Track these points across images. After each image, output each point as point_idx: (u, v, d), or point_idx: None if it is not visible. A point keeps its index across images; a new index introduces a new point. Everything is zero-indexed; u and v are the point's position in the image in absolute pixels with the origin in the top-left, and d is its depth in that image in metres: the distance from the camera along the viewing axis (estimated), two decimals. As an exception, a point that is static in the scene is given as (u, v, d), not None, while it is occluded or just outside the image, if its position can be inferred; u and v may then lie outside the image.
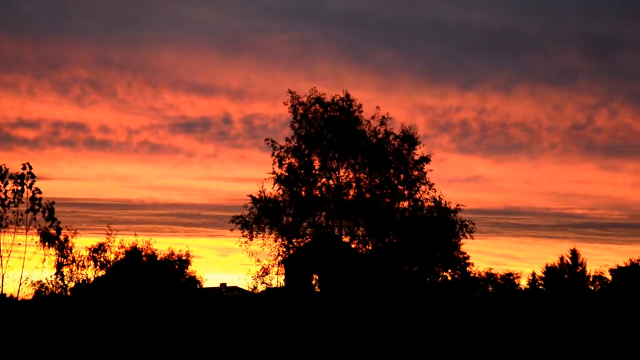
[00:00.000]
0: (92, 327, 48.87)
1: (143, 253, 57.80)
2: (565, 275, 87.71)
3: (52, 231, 38.23)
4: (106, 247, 54.85)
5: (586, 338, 53.15)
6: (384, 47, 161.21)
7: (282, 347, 49.16)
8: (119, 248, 55.84)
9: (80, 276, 53.04)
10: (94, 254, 54.25)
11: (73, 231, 52.27)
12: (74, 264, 52.64)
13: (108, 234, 55.36)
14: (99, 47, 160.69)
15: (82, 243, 54.05)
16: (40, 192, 35.80)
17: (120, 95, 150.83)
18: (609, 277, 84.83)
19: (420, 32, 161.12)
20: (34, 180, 35.99)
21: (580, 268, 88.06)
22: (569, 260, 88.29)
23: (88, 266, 53.76)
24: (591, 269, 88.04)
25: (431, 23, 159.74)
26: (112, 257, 55.31)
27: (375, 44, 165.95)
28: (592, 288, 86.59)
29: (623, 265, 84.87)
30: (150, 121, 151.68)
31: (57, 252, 51.44)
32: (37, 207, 36.35)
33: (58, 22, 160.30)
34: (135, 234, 62.00)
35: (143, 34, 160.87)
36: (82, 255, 53.48)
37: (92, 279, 53.92)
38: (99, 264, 54.27)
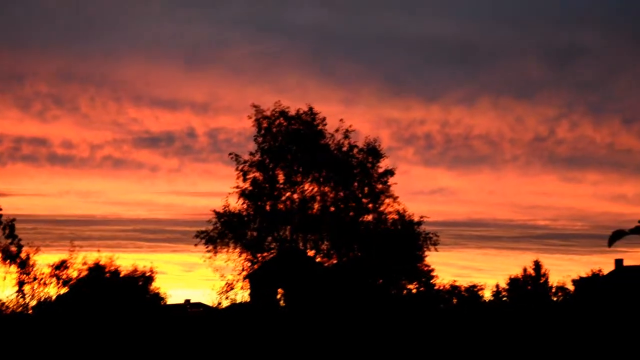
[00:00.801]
0: (54, 346, 48.21)
1: (106, 269, 57.24)
2: (529, 287, 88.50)
3: (13, 249, 37.76)
4: (68, 264, 54.20)
5: (550, 349, 53.51)
6: (347, 60, 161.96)
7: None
8: (81, 265, 55.23)
9: (42, 294, 52.38)
10: (56, 271, 53.58)
11: (35, 248, 51.65)
12: (35, 281, 51.97)
13: (71, 251, 54.75)
14: (60, 61, 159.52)
15: (44, 260, 53.39)
16: (0, 209, 35.32)
17: (82, 110, 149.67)
18: (571, 287, 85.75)
19: (383, 44, 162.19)
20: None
21: (543, 279, 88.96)
22: (532, 272, 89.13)
23: (50, 283, 53.11)
24: (554, 280, 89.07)
25: (394, 36, 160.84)
26: (74, 274, 54.68)
27: (339, 57, 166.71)
28: (555, 299, 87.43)
29: (585, 275, 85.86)
30: (114, 136, 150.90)
31: (18, 269, 50.75)
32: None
33: (19, 36, 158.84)
34: (99, 250, 61.26)
35: (105, 48, 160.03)
36: (44, 273, 52.81)
37: (54, 297, 53.26)
38: (61, 281, 53.62)
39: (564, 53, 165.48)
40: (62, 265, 53.97)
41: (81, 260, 55.19)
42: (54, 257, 54.56)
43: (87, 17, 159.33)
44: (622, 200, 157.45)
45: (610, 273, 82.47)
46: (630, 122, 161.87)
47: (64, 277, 53.76)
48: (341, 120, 60.03)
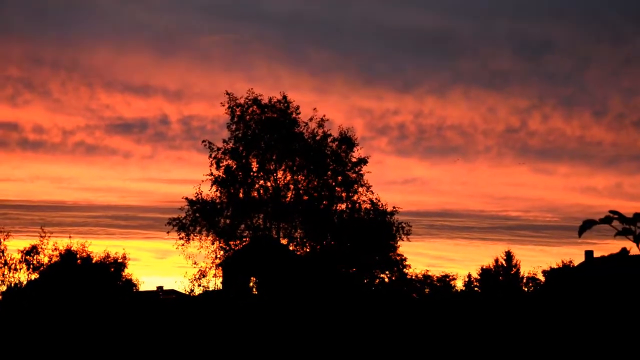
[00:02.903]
0: (25, 332, 47.92)
1: (78, 255, 56.87)
2: (500, 277, 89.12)
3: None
4: (39, 250, 53.82)
5: (520, 339, 53.96)
6: (320, 49, 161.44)
7: (219, 350, 48.89)
8: (52, 250, 54.86)
9: (12, 279, 51.99)
10: (27, 257, 53.20)
11: (5, 233, 51.29)
12: (5, 267, 51.58)
13: (41, 237, 54.35)
14: (30, 45, 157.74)
15: (14, 245, 53.00)
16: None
17: (54, 95, 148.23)
18: (542, 278, 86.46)
19: (356, 33, 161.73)
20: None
21: (515, 270, 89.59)
22: (504, 262, 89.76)
23: (20, 269, 52.72)
24: (525, 271, 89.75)
25: (367, 24, 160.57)
26: (45, 259, 54.32)
27: (311, 45, 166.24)
28: (526, 289, 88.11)
29: (555, 266, 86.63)
30: (86, 121, 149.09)
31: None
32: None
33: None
34: (70, 237, 60.98)
35: (76, 32, 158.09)
36: (14, 258, 52.43)
37: (24, 283, 52.87)
38: (31, 266, 53.23)
39: (536, 45, 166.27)
40: (32, 251, 53.59)
41: (52, 246, 54.84)
42: (25, 243, 54.20)
43: (59, 2, 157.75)
44: (593, 192, 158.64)
45: (581, 264, 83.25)
46: (601, 115, 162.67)
47: (34, 262, 53.38)
48: (315, 109, 60.17)
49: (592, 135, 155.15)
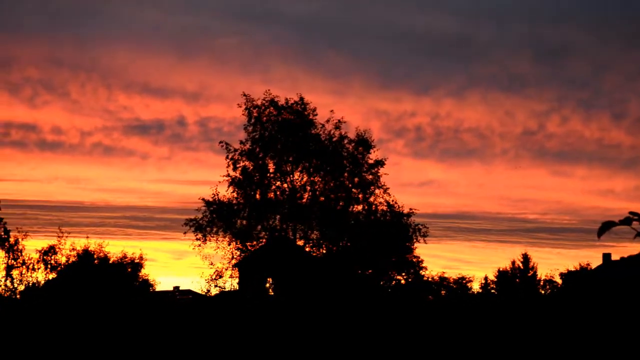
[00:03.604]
0: (42, 331, 48.16)
1: (95, 256, 57.08)
2: (517, 279, 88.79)
3: (1, 232, 37.58)
4: (57, 250, 54.04)
5: (538, 342, 53.74)
6: (337, 51, 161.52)
7: (235, 351, 48.94)
8: (70, 250, 55.08)
9: (30, 279, 52.24)
10: (45, 257, 53.42)
11: (23, 233, 51.48)
12: (24, 266, 51.82)
13: (59, 237, 54.56)
14: (51, 47, 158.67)
15: (32, 245, 53.22)
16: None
17: (73, 96, 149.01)
18: (559, 281, 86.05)
19: (375, 36, 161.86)
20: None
21: (532, 272, 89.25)
22: (521, 265, 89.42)
23: (38, 269, 52.95)
24: (542, 273, 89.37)
25: (384, 27, 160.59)
26: (63, 259, 54.52)
27: (329, 48, 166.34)
28: (543, 292, 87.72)
29: (573, 269, 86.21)
30: (104, 123, 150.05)
31: (7, 254, 50.60)
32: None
33: (8, 21, 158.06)
34: (87, 237, 61.15)
35: (95, 34, 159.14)
36: (32, 258, 52.66)
37: (42, 282, 53.12)
38: (49, 266, 53.46)
39: (555, 48, 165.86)
40: (50, 251, 53.81)
41: (70, 246, 55.06)
42: (43, 243, 54.40)
43: (79, 2, 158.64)
44: (611, 195, 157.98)
45: (598, 267, 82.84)
46: (619, 118, 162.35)
47: (52, 262, 53.61)
48: (332, 111, 60.16)
49: (610, 137, 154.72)
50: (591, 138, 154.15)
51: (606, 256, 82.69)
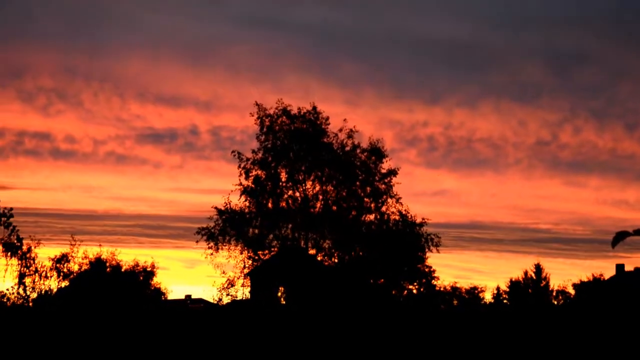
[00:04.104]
0: (55, 339, 48.26)
1: (107, 264, 57.29)
2: (530, 290, 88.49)
3: (14, 240, 37.69)
4: (70, 258, 54.25)
5: (549, 352, 53.47)
6: (351, 60, 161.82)
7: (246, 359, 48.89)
8: (82, 259, 55.30)
9: (42, 287, 52.42)
10: (57, 265, 53.62)
11: (36, 241, 51.66)
12: (36, 274, 52.00)
13: (72, 245, 54.78)
14: (64, 56, 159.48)
15: (45, 253, 53.42)
16: (-1, 200, 35.23)
17: (86, 105, 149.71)
18: (572, 291, 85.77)
19: (387, 45, 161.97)
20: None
21: (544, 282, 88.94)
22: (533, 275, 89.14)
23: (51, 277, 53.14)
24: (555, 284, 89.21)
25: (397, 36, 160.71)
26: (75, 267, 54.74)
27: (342, 57, 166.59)
28: (556, 302, 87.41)
29: (586, 280, 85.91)
30: (117, 131, 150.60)
31: (20, 262, 50.80)
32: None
33: (23, 30, 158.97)
34: (100, 245, 61.46)
35: (108, 43, 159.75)
36: (45, 266, 52.85)
37: (55, 290, 53.30)
38: (62, 274, 53.65)
39: (568, 57, 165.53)
40: (63, 259, 54.02)
41: (82, 254, 55.29)
42: (55, 251, 54.61)
43: (92, 12, 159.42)
44: (624, 205, 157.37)
45: (612, 278, 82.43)
46: (633, 128, 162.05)
47: (65, 270, 53.81)
48: (345, 120, 60.14)
49: (624, 148, 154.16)
50: (604, 148, 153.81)
51: (619, 267, 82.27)
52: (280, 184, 58.53)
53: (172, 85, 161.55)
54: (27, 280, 51.50)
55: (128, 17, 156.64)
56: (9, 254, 46.66)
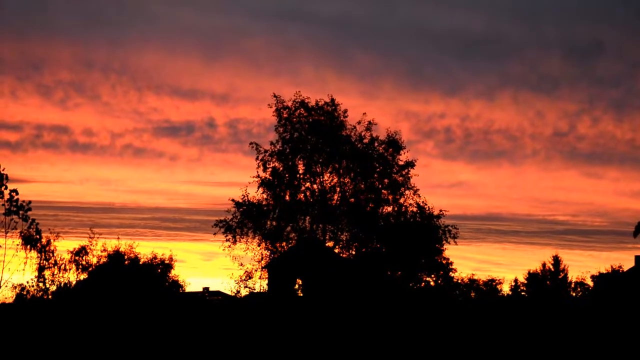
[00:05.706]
0: (74, 331, 48.54)
1: (125, 257, 57.51)
2: (548, 282, 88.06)
3: (33, 233, 37.80)
4: (88, 251, 54.53)
5: (568, 344, 53.29)
6: (367, 52, 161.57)
7: (265, 352, 48.99)
8: (101, 251, 55.55)
9: (61, 279, 52.71)
10: (76, 257, 53.90)
11: (55, 234, 51.95)
12: (55, 267, 52.30)
13: (90, 238, 55.04)
14: (82, 49, 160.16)
15: (64, 246, 53.71)
16: (17, 194, 35.41)
17: (104, 99, 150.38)
18: (591, 283, 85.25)
19: (404, 37, 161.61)
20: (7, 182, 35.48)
21: (562, 274, 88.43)
22: (551, 267, 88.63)
23: (70, 269, 53.42)
24: (573, 275, 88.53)
25: (414, 27, 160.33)
26: (94, 260, 55.01)
27: (359, 49, 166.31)
28: (574, 294, 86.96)
29: (604, 271, 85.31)
30: (134, 124, 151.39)
31: (39, 255, 51.08)
32: (14, 208, 35.75)
33: (41, 24, 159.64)
34: (118, 238, 61.57)
35: (126, 36, 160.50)
36: (63, 259, 53.14)
37: (73, 283, 53.59)
38: (80, 267, 53.94)
39: (586, 48, 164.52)
40: (81, 252, 54.31)
41: (101, 247, 55.55)
42: (74, 244, 54.91)
43: (109, 5, 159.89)
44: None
45: (631, 269, 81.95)
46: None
47: (83, 263, 54.10)
48: (364, 114, 59.88)
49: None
50: (623, 139, 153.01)
51: (638, 258, 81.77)
52: (298, 176, 58.51)
53: (189, 78, 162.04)
54: (47, 273, 51.83)
55: (145, 11, 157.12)
56: (28, 246, 46.91)
